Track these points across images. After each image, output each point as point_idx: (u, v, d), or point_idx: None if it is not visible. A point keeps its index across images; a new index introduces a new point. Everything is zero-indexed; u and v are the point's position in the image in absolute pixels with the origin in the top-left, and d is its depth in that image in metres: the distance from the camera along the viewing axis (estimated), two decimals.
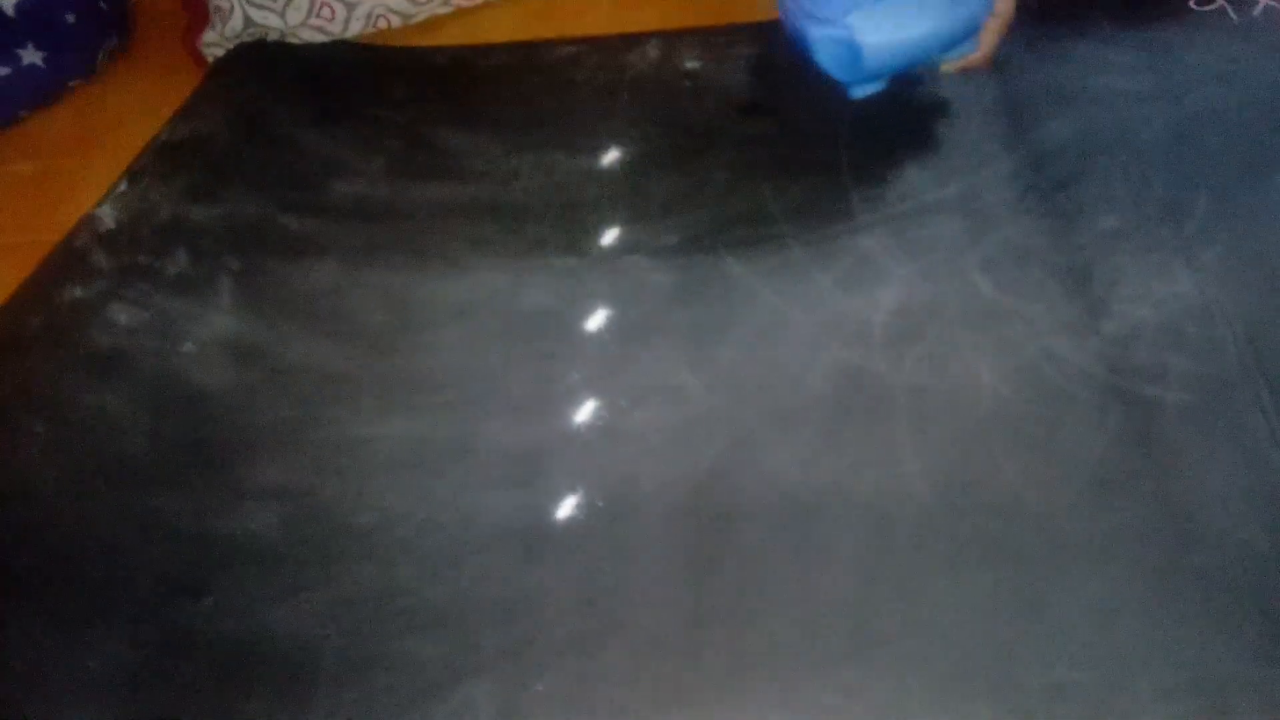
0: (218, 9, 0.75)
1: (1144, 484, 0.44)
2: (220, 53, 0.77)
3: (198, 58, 0.78)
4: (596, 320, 0.54)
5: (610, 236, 0.59)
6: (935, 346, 0.50)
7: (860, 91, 0.61)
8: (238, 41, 0.77)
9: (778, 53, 0.71)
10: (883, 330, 0.51)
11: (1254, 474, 0.43)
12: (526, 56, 0.74)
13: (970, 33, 0.60)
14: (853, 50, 0.57)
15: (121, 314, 0.56)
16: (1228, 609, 0.39)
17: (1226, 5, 0.68)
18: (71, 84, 0.78)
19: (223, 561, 0.45)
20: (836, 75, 0.60)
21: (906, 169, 0.60)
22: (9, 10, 0.74)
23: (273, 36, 0.77)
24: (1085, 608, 0.40)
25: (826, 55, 0.59)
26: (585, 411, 0.49)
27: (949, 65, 0.62)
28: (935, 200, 0.58)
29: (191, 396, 0.52)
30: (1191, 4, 0.69)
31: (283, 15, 0.75)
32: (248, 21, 0.75)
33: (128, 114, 0.74)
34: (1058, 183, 0.58)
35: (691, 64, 0.71)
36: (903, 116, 0.62)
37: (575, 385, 0.51)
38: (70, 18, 0.76)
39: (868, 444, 0.47)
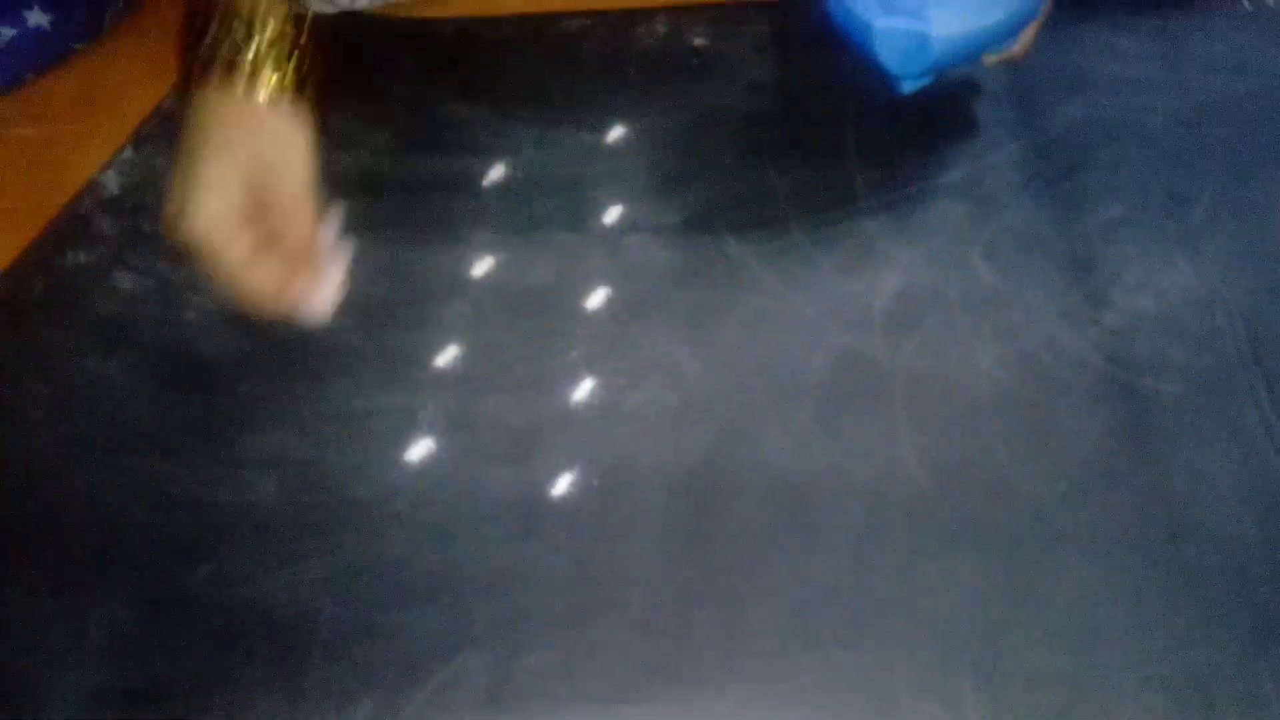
0: None
1: (1137, 474, 0.44)
2: None
3: None
4: (597, 298, 0.54)
5: (613, 214, 0.59)
6: (935, 332, 0.51)
7: (912, 86, 0.60)
8: None
9: (787, 32, 0.71)
10: (883, 315, 0.52)
11: (1247, 468, 0.44)
12: (534, 29, 0.73)
13: (1029, 22, 0.58)
14: (922, 43, 0.55)
15: (125, 281, 0.56)
16: (1215, 601, 0.40)
17: None
18: (77, 47, 0.78)
19: (221, 530, 0.46)
20: (894, 69, 0.57)
21: (912, 153, 0.60)
22: None
23: None
24: (1073, 595, 0.41)
25: (889, 48, 0.56)
26: (583, 389, 0.50)
27: (990, 57, 0.60)
28: (940, 185, 0.58)
29: (193, 365, 0.52)
30: None
31: None
32: None
33: (134, 79, 0.74)
34: (1063, 170, 0.58)
35: (699, 40, 0.70)
36: (910, 100, 0.62)
37: (574, 363, 0.51)
38: None
39: (864, 427, 0.47)
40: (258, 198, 0.47)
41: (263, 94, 0.48)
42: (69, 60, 0.77)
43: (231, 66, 0.48)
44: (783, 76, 0.68)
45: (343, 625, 0.42)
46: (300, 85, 0.50)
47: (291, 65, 0.49)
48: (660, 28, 0.72)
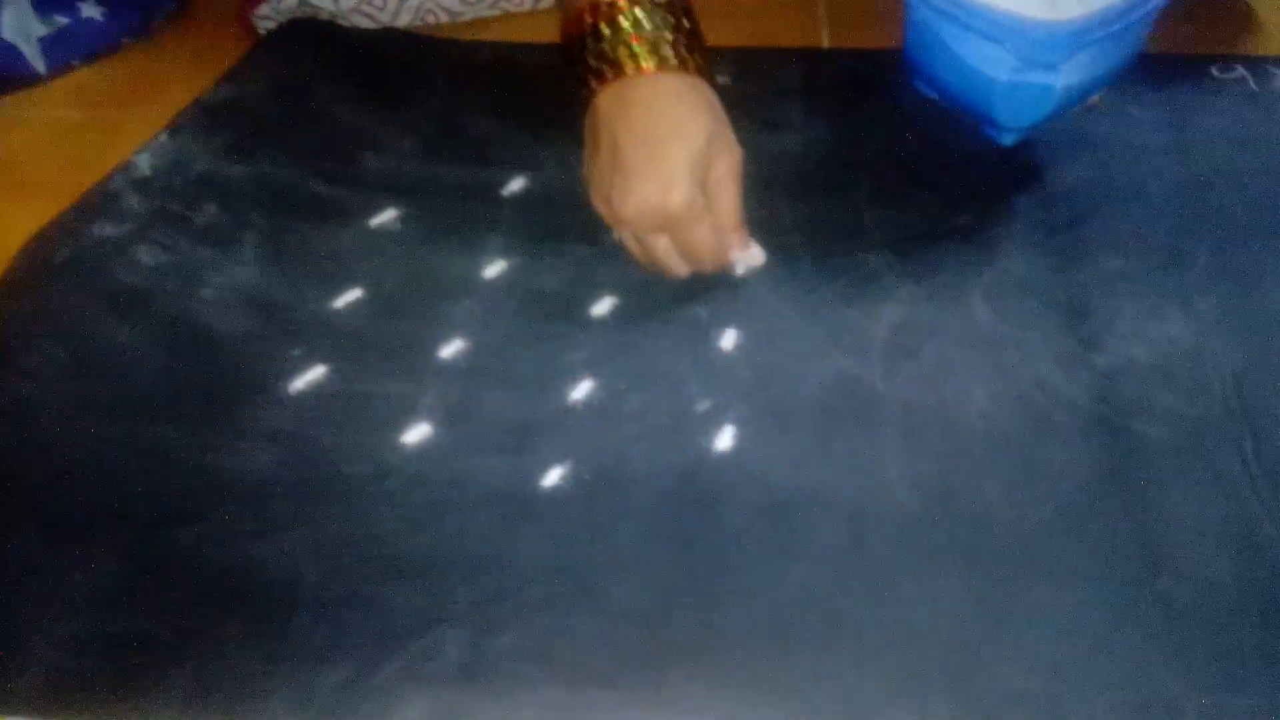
0: None
1: (1118, 511, 0.44)
2: (272, 25, 0.79)
3: (250, 29, 0.81)
4: (603, 306, 0.55)
5: None
6: (931, 363, 0.52)
7: (1012, 138, 0.62)
8: (290, 18, 0.79)
9: (815, 82, 0.73)
10: (881, 343, 0.53)
11: (1226, 513, 0.44)
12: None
13: (1125, 69, 0.60)
14: (1046, 94, 0.57)
15: (147, 255, 0.58)
16: (1184, 637, 0.40)
17: (1247, 74, 0.70)
18: (125, 41, 0.81)
19: (214, 495, 0.46)
20: (1009, 122, 0.60)
21: (922, 196, 0.62)
22: None
23: (324, 17, 0.79)
24: (1047, 621, 0.41)
25: (1011, 101, 0.58)
26: (582, 389, 0.51)
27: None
28: (946, 228, 0.60)
29: (204, 339, 0.54)
30: (1214, 70, 0.71)
31: None
32: (301, 1, 0.78)
33: (177, 75, 0.76)
34: (1066, 222, 0.59)
35: (722, 79, 0.72)
36: (924, 148, 0.64)
37: (576, 364, 0.52)
38: None
39: (855, 449, 0.48)
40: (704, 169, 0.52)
41: (672, 70, 0.53)
42: (116, 53, 0.81)
43: (626, 58, 0.53)
44: (801, 119, 0.70)
45: (325, 593, 0.43)
46: (692, 57, 0.55)
47: (677, 41, 0.54)
48: None
